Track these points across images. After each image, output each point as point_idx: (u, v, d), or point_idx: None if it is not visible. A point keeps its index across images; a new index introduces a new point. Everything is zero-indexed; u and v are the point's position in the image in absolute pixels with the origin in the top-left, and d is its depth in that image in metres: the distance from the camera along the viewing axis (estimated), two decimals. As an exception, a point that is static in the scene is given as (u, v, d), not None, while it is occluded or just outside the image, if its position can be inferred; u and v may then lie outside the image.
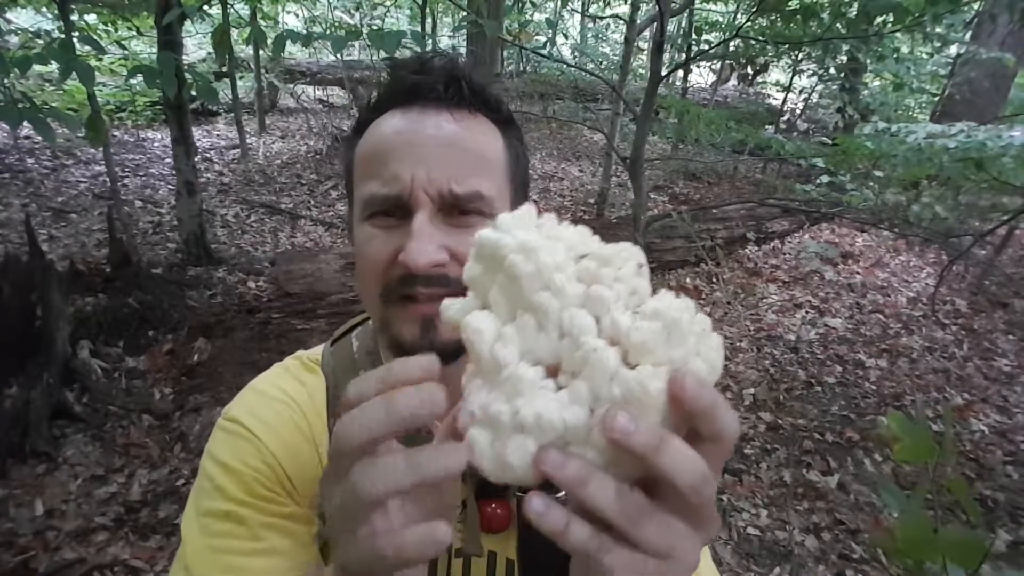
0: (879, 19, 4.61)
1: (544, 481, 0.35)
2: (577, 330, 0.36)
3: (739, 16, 8.89)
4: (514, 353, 0.37)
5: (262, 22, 7.60)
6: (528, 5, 9.89)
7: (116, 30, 6.96)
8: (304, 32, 2.56)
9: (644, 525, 0.34)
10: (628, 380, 0.34)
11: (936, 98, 8.11)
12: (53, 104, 4.23)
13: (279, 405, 0.68)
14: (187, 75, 3.06)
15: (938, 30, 5.54)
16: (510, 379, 0.36)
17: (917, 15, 3.30)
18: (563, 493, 0.41)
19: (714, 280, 5.21)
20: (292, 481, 0.65)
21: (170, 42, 3.76)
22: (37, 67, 2.38)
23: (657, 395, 0.34)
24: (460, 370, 0.59)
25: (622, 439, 0.32)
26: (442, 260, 0.58)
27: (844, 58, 8.19)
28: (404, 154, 0.59)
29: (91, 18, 6.20)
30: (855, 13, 4.33)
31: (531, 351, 0.37)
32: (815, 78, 9.61)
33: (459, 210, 0.59)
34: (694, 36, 8.68)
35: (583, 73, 9.14)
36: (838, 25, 4.18)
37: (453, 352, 0.57)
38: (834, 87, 9.02)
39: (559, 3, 12.39)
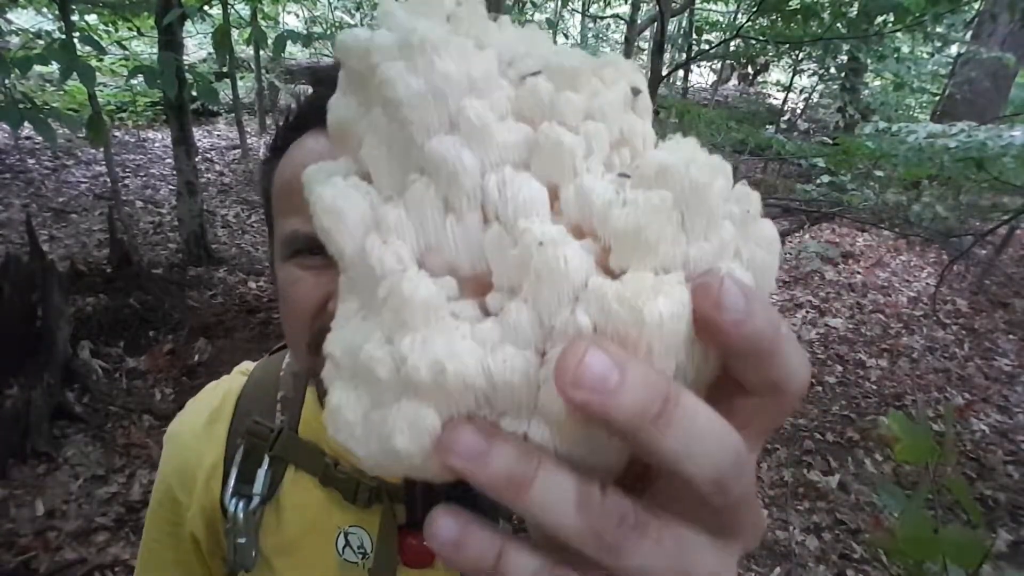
0: (879, 19, 4.61)
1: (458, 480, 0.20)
2: (512, 209, 0.20)
3: (739, 16, 8.89)
4: (400, 251, 0.21)
5: (262, 22, 7.60)
6: (528, 5, 9.89)
7: (116, 30, 6.96)
8: (304, 32, 2.57)
9: (630, 549, 0.20)
10: (606, 298, 0.19)
11: (936, 98, 8.10)
12: (54, 104, 4.23)
13: (186, 434, 0.71)
14: (187, 75, 3.06)
15: (938, 30, 5.54)
16: (392, 299, 0.20)
17: (917, 15, 3.30)
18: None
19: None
20: (181, 502, 0.70)
21: (171, 42, 3.76)
22: (38, 68, 2.38)
23: (659, 324, 0.18)
24: None
25: (593, 402, 0.18)
26: None
27: (844, 58, 8.19)
28: None
29: (91, 18, 6.20)
30: (855, 13, 4.33)
31: (434, 248, 0.21)
32: (815, 78, 9.61)
33: None
34: (694, 36, 8.69)
35: (583, 73, 9.11)
36: (838, 25, 4.18)
37: None
38: (834, 87, 9.02)
39: (559, 3, 12.39)
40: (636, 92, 0.22)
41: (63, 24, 3.57)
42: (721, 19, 10.14)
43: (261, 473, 0.64)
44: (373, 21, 0.23)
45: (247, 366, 0.75)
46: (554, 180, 0.21)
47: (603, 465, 0.21)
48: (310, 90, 0.61)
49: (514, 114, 0.22)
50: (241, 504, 0.63)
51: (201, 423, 0.69)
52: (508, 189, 0.21)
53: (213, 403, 0.70)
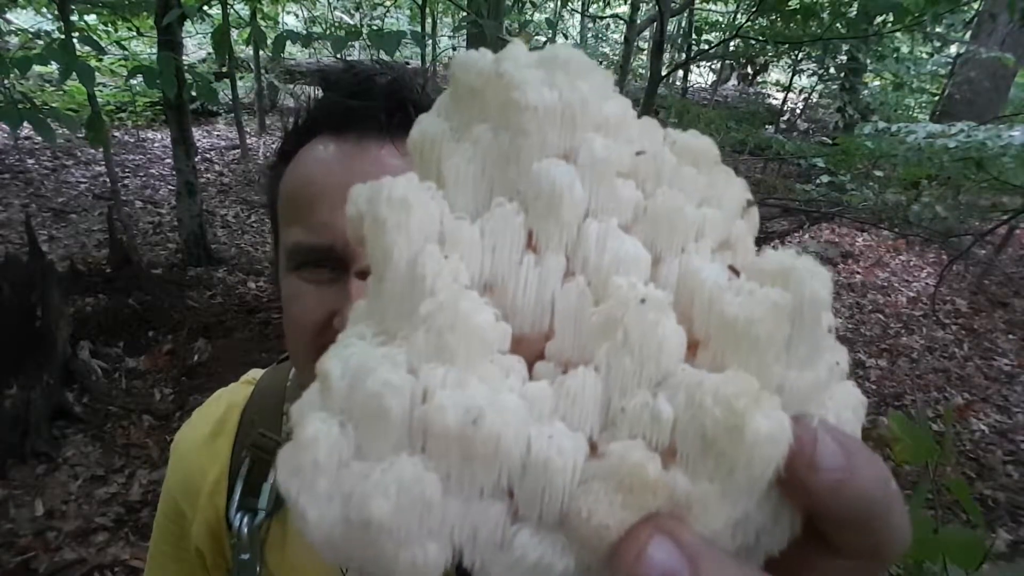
0: (879, 19, 4.62)
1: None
2: (608, 262, 0.17)
3: (739, 16, 8.90)
4: (459, 270, 0.17)
5: (262, 22, 7.60)
6: (528, 5, 9.89)
7: (116, 30, 6.96)
8: (304, 32, 2.56)
9: None
10: (700, 390, 0.15)
11: (936, 98, 8.11)
12: (53, 105, 4.23)
13: (189, 447, 0.70)
14: (187, 75, 3.06)
15: (938, 30, 5.54)
16: (439, 317, 0.16)
17: (917, 15, 3.30)
18: None
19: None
20: (186, 515, 0.68)
21: (170, 42, 3.75)
22: (37, 68, 2.38)
23: (755, 442, 0.15)
24: None
25: None
26: None
27: (844, 58, 8.20)
28: (336, 198, 0.48)
29: (91, 18, 6.19)
30: (855, 13, 4.33)
31: (498, 286, 0.18)
32: (815, 78, 9.62)
33: None
34: (694, 36, 8.69)
35: (583, 73, 9.12)
36: (838, 25, 4.18)
37: None
38: (834, 87, 9.03)
39: (559, 3, 12.39)
40: (750, 204, 0.21)
41: (62, 24, 3.57)
42: (721, 19, 10.15)
43: (267, 487, 0.62)
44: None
45: (254, 375, 0.73)
46: (658, 250, 0.18)
47: None
48: (313, 91, 0.60)
49: (628, 172, 0.19)
50: (246, 519, 0.61)
51: (204, 435, 0.68)
52: (609, 241, 0.17)
53: (217, 414, 0.69)
